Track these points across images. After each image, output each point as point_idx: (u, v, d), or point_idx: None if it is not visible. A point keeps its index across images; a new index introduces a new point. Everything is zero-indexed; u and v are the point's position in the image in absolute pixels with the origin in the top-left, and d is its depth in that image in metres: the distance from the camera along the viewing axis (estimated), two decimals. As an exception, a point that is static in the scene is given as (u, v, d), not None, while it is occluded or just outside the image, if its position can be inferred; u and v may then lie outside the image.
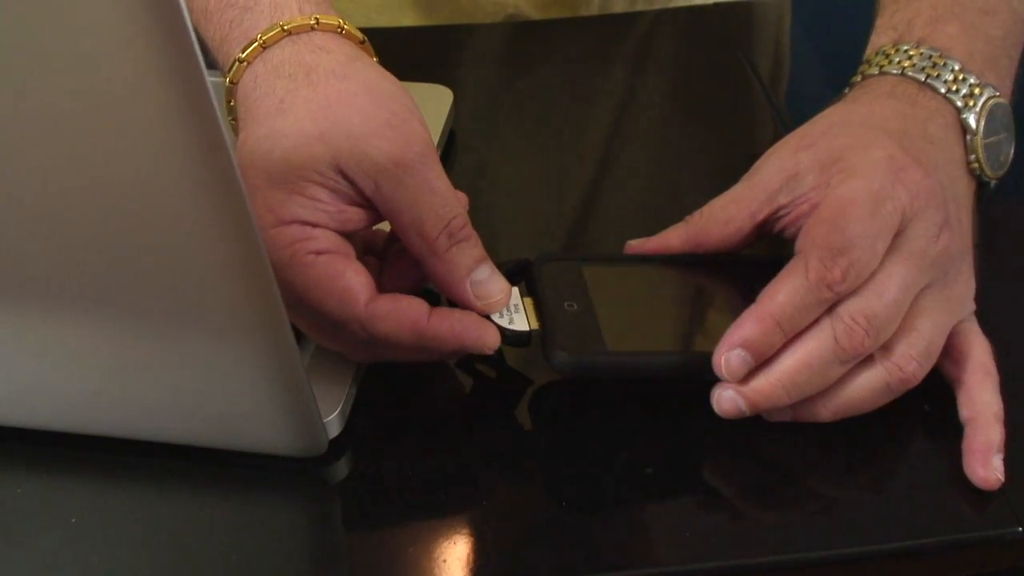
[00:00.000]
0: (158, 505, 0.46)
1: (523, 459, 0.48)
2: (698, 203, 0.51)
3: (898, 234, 0.46)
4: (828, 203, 0.46)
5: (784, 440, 0.48)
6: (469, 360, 0.51)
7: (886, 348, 0.46)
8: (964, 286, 0.48)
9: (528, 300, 0.48)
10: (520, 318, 0.48)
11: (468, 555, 0.44)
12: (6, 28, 0.33)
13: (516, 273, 0.50)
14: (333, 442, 0.46)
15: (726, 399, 0.45)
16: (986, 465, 0.45)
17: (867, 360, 0.46)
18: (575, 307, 0.48)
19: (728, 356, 0.45)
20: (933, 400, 0.48)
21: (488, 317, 0.47)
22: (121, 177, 0.36)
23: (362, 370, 0.49)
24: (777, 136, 0.53)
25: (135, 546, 0.44)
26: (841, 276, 0.45)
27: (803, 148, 0.49)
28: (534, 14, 0.77)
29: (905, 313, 0.46)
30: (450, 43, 0.74)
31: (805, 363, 0.45)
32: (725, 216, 0.50)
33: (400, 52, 0.72)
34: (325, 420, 0.46)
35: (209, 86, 0.33)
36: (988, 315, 0.50)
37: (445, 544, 0.44)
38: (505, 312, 0.48)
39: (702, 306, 0.49)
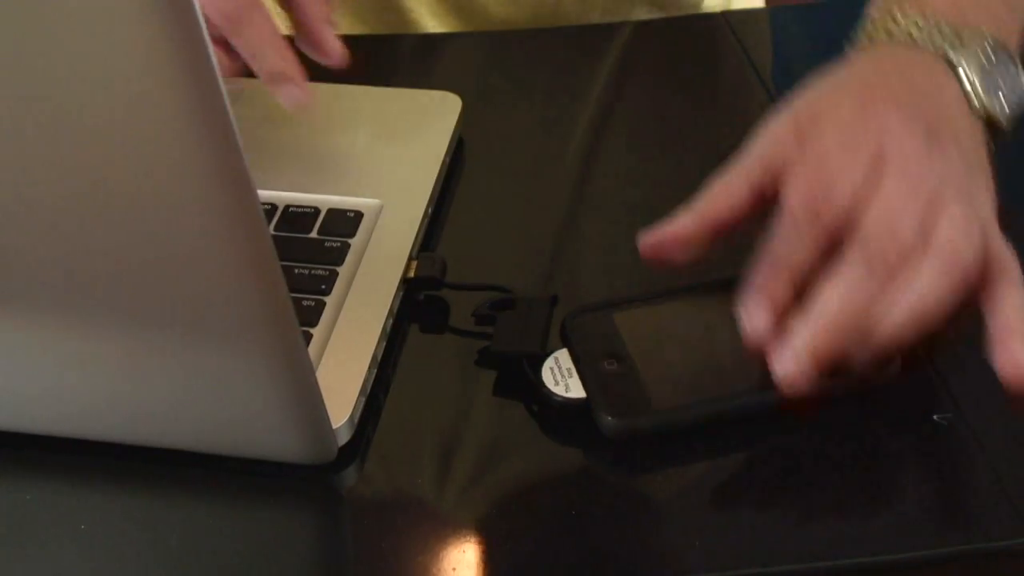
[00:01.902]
0: (167, 512, 0.46)
1: (533, 467, 0.48)
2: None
3: (884, 162, 0.47)
4: (802, 158, 0.47)
5: (794, 451, 0.48)
6: (481, 365, 0.51)
7: (927, 241, 0.45)
8: (985, 192, 0.48)
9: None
10: (575, 383, 0.48)
11: (478, 563, 0.44)
12: (20, 31, 0.33)
13: (502, 305, 0.51)
14: (342, 449, 0.46)
15: (787, 359, 0.44)
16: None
17: (913, 262, 0.45)
18: (615, 365, 0.48)
19: (746, 307, 0.46)
20: (943, 410, 0.48)
21: (543, 386, 0.48)
22: (132, 182, 0.36)
23: (372, 377, 0.49)
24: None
25: (144, 553, 0.44)
26: (827, 205, 0.46)
27: (783, 110, 0.50)
28: (521, 24, 0.78)
29: (928, 213, 0.45)
30: (459, 50, 0.74)
31: (846, 296, 0.44)
32: (723, 183, 0.50)
33: (409, 59, 0.73)
34: (335, 427, 0.46)
35: (224, 91, 0.33)
36: (974, 313, 0.49)
37: (455, 552, 0.44)
38: (559, 379, 0.48)
39: (735, 339, 0.49)
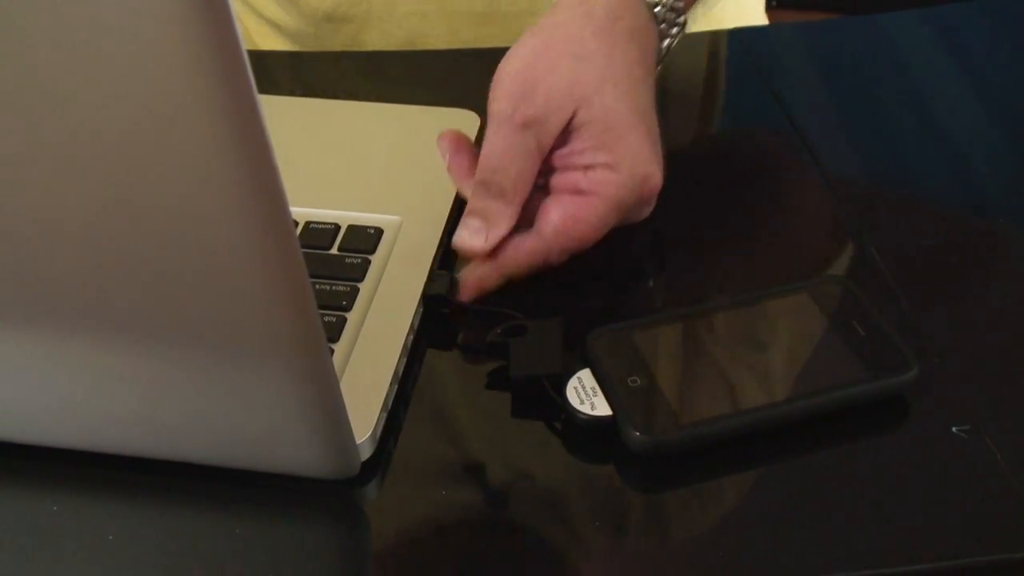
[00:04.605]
0: (192, 525, 0.46)
1: (559, 483, 0.48)
2: (716, 215, 0.51)
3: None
4: None
5: (816, 464, 0.48)
6: (498, 389, 0.51)
7: None
8: None
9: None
10: (600, 401, 0.48)
11: (500, 577, 0.44)
12: (53, 43, 0.33)
13: (514, 331, 0.51)
14: (364, 464, 0.47)
15: None
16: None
17: None
18: (639, 382, 0.49)
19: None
20: (961, 422, 0.48)
21: (569, 404, 0.48)
22: (165, 200, 0.36)
23: (393, 393, 0.50)
24: (797, 157, 0.52)
25: (169, 565, 0.45)
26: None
27: None
28: None
29: None
30: (477, 67, 0.75)
31: None
32: None
33: (427, 76, 0.73)
34: (358, 442, 0.46)
35: (260, 106, 0.33)
36: (990, 327, 0.50)
37: (478, 568, 0.45)
38: (584, 398, 0.48)
39: (754, 354, 0.50)
